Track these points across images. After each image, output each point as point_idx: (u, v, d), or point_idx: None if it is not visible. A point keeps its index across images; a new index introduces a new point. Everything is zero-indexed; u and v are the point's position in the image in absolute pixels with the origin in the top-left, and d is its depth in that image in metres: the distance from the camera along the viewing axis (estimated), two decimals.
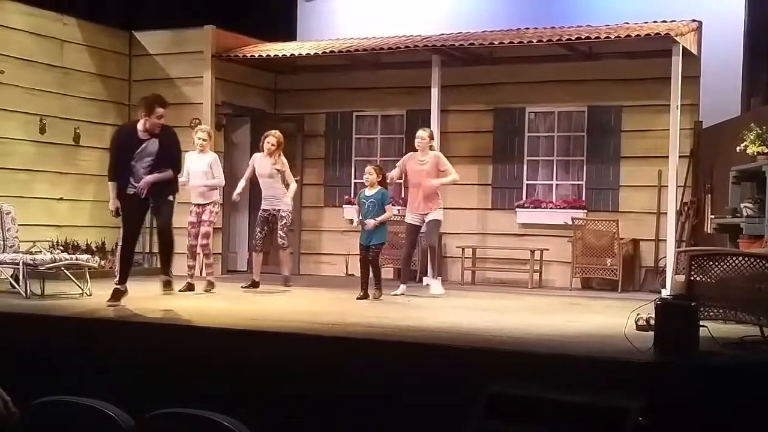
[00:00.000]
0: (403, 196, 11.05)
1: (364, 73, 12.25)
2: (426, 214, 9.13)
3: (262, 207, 9.55)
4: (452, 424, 4.93)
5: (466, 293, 9.39)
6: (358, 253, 8.90)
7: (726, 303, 5.76)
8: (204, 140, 9.22)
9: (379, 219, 8.61)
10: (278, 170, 9.37)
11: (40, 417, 3.51)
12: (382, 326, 6.55)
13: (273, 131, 9.65)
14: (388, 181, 9.04)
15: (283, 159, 9.50)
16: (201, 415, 3.29)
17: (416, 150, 9.30)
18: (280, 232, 9.38)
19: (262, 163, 9.42)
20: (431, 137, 9.41)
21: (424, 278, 10.31)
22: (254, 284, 9.35)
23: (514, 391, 4.81)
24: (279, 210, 9.37)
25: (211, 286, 9.14)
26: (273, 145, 9.37)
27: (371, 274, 8.70)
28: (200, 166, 9.13)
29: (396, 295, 8.89)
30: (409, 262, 9.52)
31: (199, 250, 9.16)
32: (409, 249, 9.31)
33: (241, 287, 9.35)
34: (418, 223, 9.19)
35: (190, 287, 9.01)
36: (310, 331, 6.21)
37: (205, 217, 9.13)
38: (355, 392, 5.38)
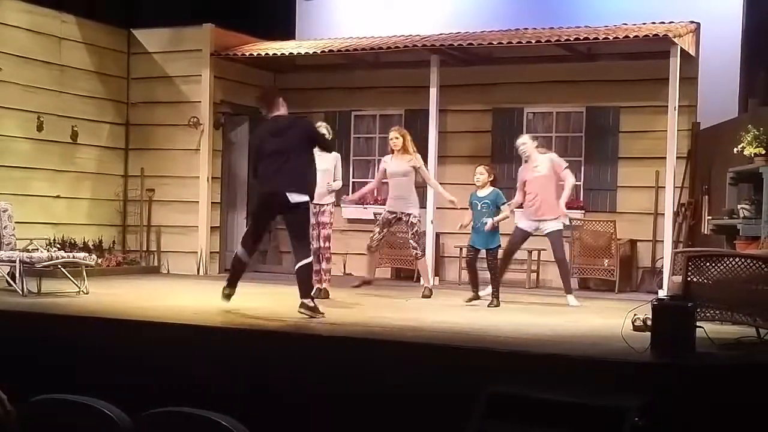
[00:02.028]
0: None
1: (362, 72, 12.26)
2: (543, 222, 8.67)
3: (387, 207, 8.96)
4: (451, 425, 4.93)
5: (464, 293, 9.38)
6: (466, 255, 8.59)
7: (722, 304, 5.77)
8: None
9: (497, 219, 8.25)
10: (414, 167, 8.83)
11: (36, 415, 3.51)
12: (380, 326, 6.56)
13: (394, 127, 9.37)
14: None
15: (418, 155, 8.97)
16: (198, 414, 3.28)
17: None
18: (411, 241, 8.85)
19: (394, 163, 8.89)
20: (533, 140, 8.93)
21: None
22: (367, 282, 8.95)
23: (511, 392, 4.81)
24: (410, 215, 8.81)
25: (326, 293, 8.62)
26: (397, 138, 8.85)
27: (483, 279, 8.38)
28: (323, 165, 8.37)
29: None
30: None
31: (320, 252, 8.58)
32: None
33: (352, 286, 8.97)
34: (530, 230, 8.78)
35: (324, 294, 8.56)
36: (307, 331, 6.22)
37: (324, 219, 8.64)
38: (353, 392, 5.38)
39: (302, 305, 6.90)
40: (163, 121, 11.91)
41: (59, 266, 8.49)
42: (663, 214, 10.29)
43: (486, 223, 8.24)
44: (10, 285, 8.29)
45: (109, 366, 5.98)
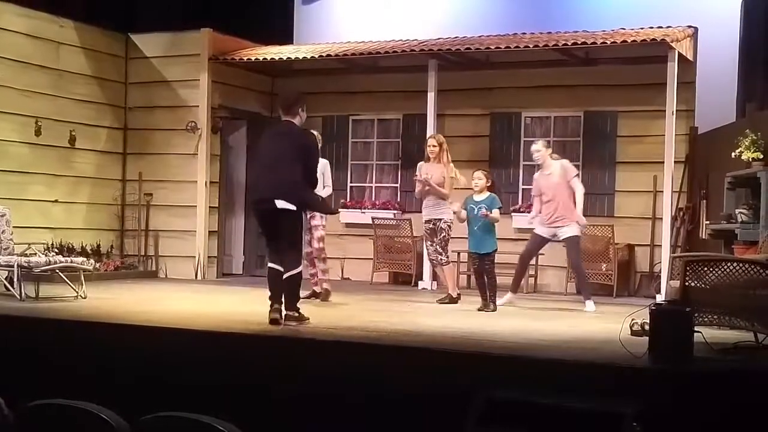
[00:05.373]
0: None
1: (360, 76, 12.27)
2: (559, 228, 8.63)
3: (424, 218, 8.91)
4: (448, 430, 4.93)
5: (461, 297, 9.36)
6: (472, 263, 8.65)
7: (720, 309, 5.77)
8: None
9: (494, 213, 8.20)
10: (444, 177, 8.72)
11: (34, 420, 3.51)
12: (377, 330, 6.56)
13: (433, 134, 9.36)
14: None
15: (452, 166, 8.84)
16: (195, 418, 3.28)
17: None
18: (437, 246, 8.77)
19: (430, 171, 8.80)
20: (547, 147, 8.88)
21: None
22: (452, 300, 8.81)
23: (509, 396, 4.81)
24: (440, 220, 8.75)
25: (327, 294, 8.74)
26: (434, 146, 8.80)
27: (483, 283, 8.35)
28: None
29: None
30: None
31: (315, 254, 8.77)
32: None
33: (437, 301, 8.87)
34: (548, 236, 8.80)
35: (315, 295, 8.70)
36: (305, 335, 6.22)
37: (315, 222, 8.70)
38: (350, 396, 5.37)
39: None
40: (161, 126, 11.92)
41: (57, 271, 8.48)
42: (661, 218, 10.30)
43: (483, 211, 8.18)
44: (8, 290, 8.27)
45: (107, 371, 5.98)
